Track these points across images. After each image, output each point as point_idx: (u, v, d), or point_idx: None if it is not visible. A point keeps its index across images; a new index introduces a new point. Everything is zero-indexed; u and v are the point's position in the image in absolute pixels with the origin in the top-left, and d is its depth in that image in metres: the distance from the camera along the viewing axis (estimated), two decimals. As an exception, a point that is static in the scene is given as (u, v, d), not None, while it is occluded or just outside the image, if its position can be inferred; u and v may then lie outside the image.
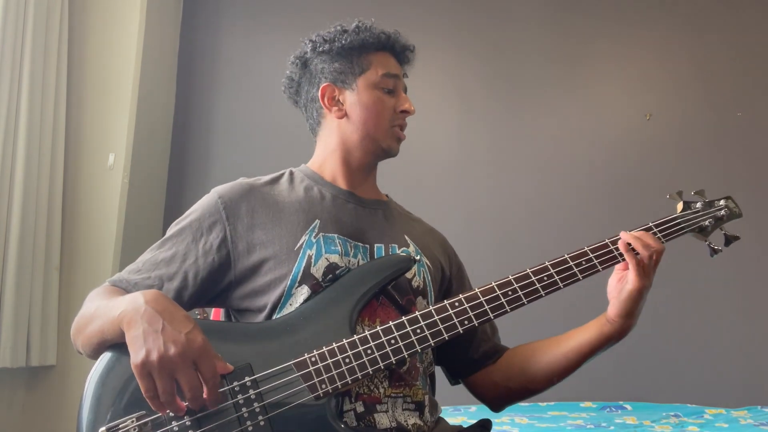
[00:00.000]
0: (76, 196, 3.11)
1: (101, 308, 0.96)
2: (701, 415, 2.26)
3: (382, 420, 0.99)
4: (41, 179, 2.92)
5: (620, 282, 1.08)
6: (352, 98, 1.18)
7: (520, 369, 1.18)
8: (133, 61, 3.17)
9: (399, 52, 1.23)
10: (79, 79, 3.20)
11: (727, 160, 2.90)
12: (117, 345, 0.93)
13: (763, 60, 2.95)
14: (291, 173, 1.23)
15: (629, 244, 1.06)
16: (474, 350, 1.22)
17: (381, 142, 1.18)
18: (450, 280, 1.25)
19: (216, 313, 1.49)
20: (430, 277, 1.16)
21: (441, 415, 1.16)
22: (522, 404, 2.44)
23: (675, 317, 2.79)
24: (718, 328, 2.76)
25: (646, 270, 1.04)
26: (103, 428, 0.87)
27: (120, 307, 0.90)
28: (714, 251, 1.16)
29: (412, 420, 1.03)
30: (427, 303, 1.14)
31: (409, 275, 1.12)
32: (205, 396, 0.86)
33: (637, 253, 1.04)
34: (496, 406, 1.24)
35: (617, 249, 1.07)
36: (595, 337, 1.10)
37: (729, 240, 1.17)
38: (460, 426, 1.16)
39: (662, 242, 1.09)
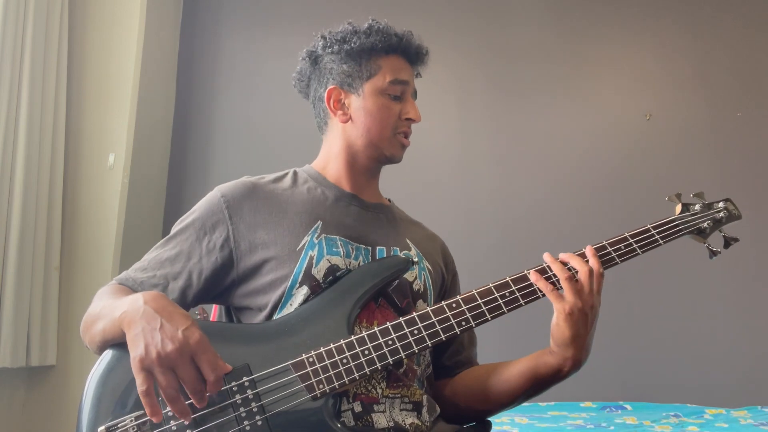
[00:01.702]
0: (76, 196, 3.11)
1: (105, 308, 0.97)
2: (701, 415, 2.26)
3: (380, 420, 0.99)
4: (41, 179, 2.92)
5: None
6: (357, 103, 1.17)
7: (468, 388, 1.17)
8: (133, 61, 3.17)
9: (411, 54, 1.20)
10: (79, 79, 3.20)
11: (726, 161, 2.89)
12: (117, 345, 0.94)
13: (763, 60, 2.95)
14: (295, 173, 1.22)
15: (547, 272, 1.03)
16: (448, 357, 1.22)
17: (384, 149, 1.17)
18: (447, 286, 1.25)
19: (215, 313, 1.49)
20: (430, 281, 1.17)
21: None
22: (522, 404, 2.44)
23: (675, 317, 2.79)
24: (718, 328, 2.76)
25: (565, 294, 0.99)
26: (102, 427, 0.88)
27: (122, 307, 0.92)
28: (713, 253, 1.16)
29: (410, 420, 1.03)
30: (427, 306, 1.14)
31: (410, 278, 1.12)
32: (207, 391, 0.85)
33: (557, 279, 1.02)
34: (447, 418, 1.21)
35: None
36: (534, 365, 1.08)
37: (728, 242, 1.16)
38: (460, 426, 1.16)
39: (598, 265, 1.02)
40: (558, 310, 1.00)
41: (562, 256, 1.04)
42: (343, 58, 1.18)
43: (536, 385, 1.09)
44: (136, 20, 3.20)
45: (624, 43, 3.13)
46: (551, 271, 1.03)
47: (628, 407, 2.42)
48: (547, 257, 1.04)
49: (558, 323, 1.01)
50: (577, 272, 1.01)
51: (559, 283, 1.01)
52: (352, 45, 1.17)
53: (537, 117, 3.14)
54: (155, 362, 0.83)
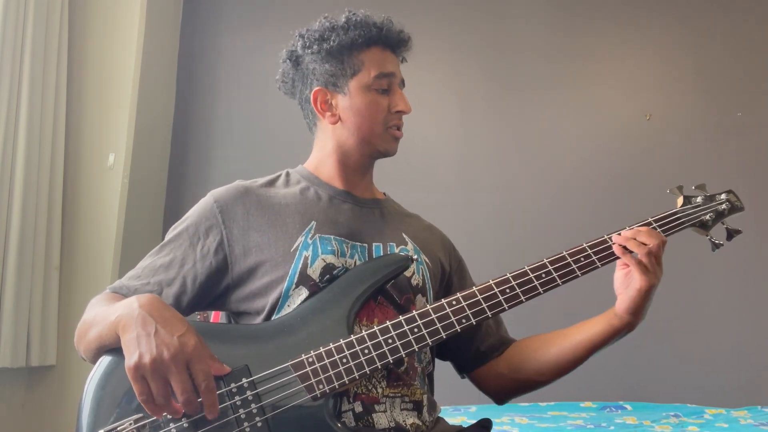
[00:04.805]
0: (76, 196, 3.11)
1: (100, 314, 0.97)
2: (701, 415, 2.26)
3: (381, 420, 0.99)
4: (41, 179, 2.92)
5: (627, 277, 1.07)
6: (344, 102, 1.15)
7: (528, 361, 1.18)
8: (133, 61, 3.17)
9: (393, 43, 1.18)
10: (79, 79, 3.20)
11: (727, 160, 2.89)
12: (115, 349, 0.93)
13: (763, 60, 2.94)
14: (287, 174, 1.22)
15: (625, 246, 1.04)
16: (480, 343, 1.22)
17: (377, 145, 1.16)
18: (450, 275, 1.24)
19: (216, 316, 1.49)
20: (429, 275, 1.16)
21: (441, 414, 1.15)
22: (522, 404, 2.44)
23: (675, 317, 2.79)
24: (718, 328, 2.76)
25: (649, 267, 1.02)
26: (101, 431, 0.88)
27: (116, 312, 0.91)
28: (716, 246, 1.15)
29: (411, 420, 1.03)
30: (426, 301, 1.14)
31: (408, 273, 1.11)
32: (201, 400, 0.86)
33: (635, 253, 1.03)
34: (501, 398, 1.24)
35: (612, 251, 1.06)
36: (603, 331, 1.09)
37: (731, 234, 1.15)
38: (460, 426, 1.16)
39: (662, 235, 1.06)
40: (643, 283, 1.01)
41: (629, 232, 1.06)
42: (324, 58, 1.16)
43: (598, 349, 1.12)
44: (136, 20, 3.20)
45: (624, 42, 3.13)
46: (611, 242, 1.05)
47: (628, 407, 2.42)
48: (617, 237, 1.05)
49: (639, 295, 1.02)
50: (649, 246, 1.03)
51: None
52: (332, 43, 1.14)
53: (537, 115, 3.14)
54: (149, 369, 0.83)
